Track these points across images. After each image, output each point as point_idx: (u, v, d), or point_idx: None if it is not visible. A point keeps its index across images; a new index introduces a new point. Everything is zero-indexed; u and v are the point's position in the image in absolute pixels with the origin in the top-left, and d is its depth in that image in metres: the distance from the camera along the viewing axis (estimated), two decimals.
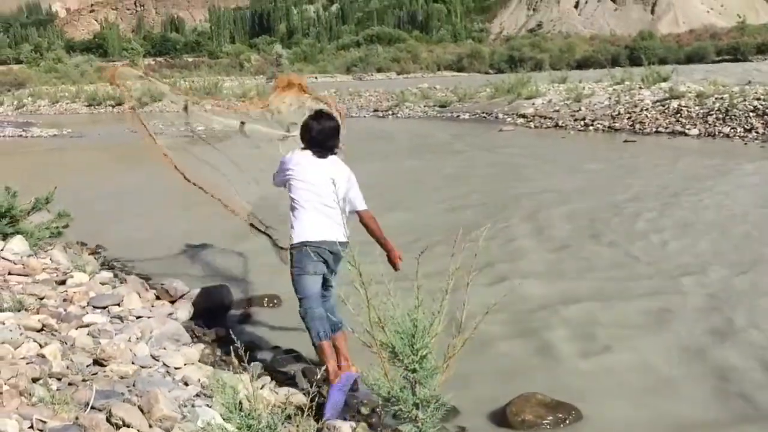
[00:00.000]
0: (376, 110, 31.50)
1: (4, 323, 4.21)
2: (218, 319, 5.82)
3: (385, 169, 14.36)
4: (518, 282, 6.44)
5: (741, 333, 5.29)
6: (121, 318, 5.07)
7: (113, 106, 44.08)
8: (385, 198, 10.96)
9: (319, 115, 4.66)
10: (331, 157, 4.61)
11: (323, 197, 4.41)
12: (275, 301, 6.21)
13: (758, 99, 18.22)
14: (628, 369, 4.83)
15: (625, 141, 17.09)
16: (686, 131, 17.67)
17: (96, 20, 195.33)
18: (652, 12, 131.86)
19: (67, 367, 3.89)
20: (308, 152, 4.57)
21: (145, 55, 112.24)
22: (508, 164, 14.12)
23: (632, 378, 4.70)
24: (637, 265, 7.11)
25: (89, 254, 8.07)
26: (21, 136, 27.54)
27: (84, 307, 5.22)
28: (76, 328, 4.67)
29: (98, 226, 9.65)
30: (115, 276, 6.51)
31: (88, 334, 4.60)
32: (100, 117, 39.57)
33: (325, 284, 4.54)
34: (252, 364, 4.64)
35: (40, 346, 4.03)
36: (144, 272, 7.37)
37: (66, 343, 4.39)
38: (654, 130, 18.56)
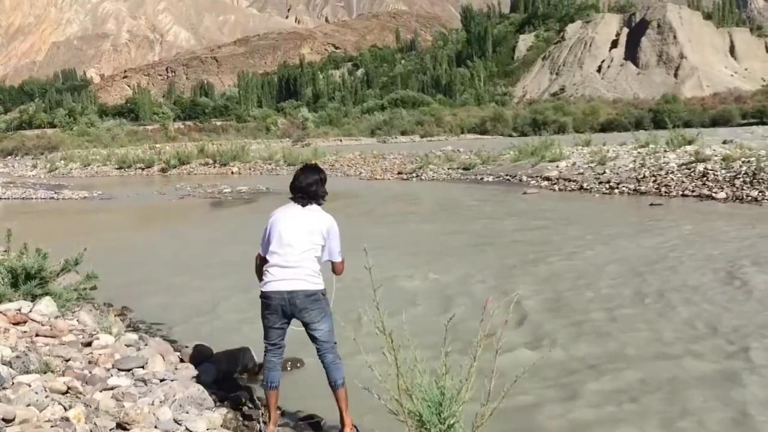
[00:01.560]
0: (400, 173, 31.73)
1: (30, 385, 4.23)
2: (241, 382, 5.80)
3: (406, 233, 14.37)
4: (548, 349, 6.35)
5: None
6: (145, 381, 5.06)
7: (142, 169, 44.91)
8: (407, 262, 10.98)
9: (305, 167, 4.89)
10: (313, 206, 4.72)
11: (292, 246, 4.56)
12: (298, 365, 6.17)
13: None
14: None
15: (651, 204, 17.01)
16: (713, 194, 17.57)
17: (129, 86, 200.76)
18: (675, 76, 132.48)
19: (91, 431, 3.88)
20: (290, 203, 4.76)
21: (175, 119, 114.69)
22: (532, 229, 14.04)
23: None
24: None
25: (115, 315, 8.12)
26: (52, 198, 28.10)
27: (109, 369, 5.23)
28: (101, 391, 4.67)
29: (126, 288, 9.74)
30: (140, 338, 6.51)
31: (112, 397, 4.59)
32: (130, 179, 40.30)
33: (313, 339, 4.67)
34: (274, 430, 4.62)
35: (65, 409, 4.03)
36: (169, 335, 7.38)
37: (90, 406, 4.39)
38: (680, 193, 18.46)
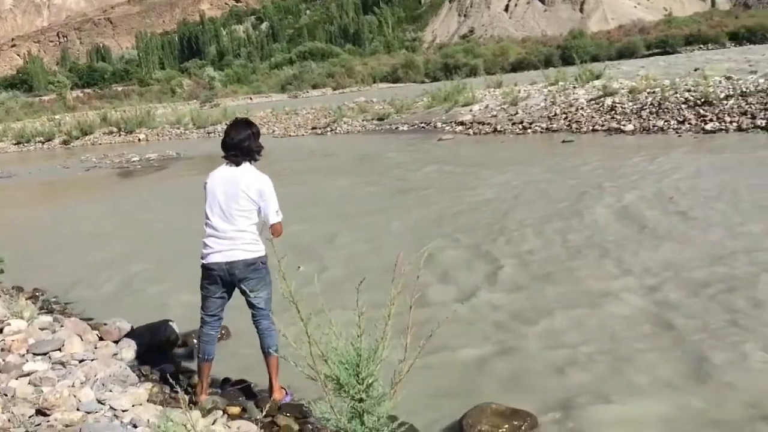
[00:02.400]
0: (314, 128, 31.45)
1: None
2: (165, 356, 5.75)
3: (322, 189, 14.33)
4: (473, 301, 6.51)
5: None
6: (63, 364, 4.97)
7: (42, 143, 43.13)
8: (323, 222, 11.00)
9: (235, 121, 4.69)
10: (246, 166, 4.56)
11: (226, 214, 4.46)
12: (223, 333, 6.15)
13: (689, 91, 18.84)
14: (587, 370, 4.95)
15: (564, 141, 17.44)
16: (622, 127, 18.13)
17: (18, 55, 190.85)
18: (581, 10, 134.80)
19: (9, 420, 3.80)
20: (224, 164, 4.60)
21: (72, 88, 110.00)
22: (448, 174, 14.21)
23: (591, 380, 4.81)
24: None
25: (26, 299, 7.88)
26: None
27: (23, 355, 5.10)
28: (16, 378, 4.57)
29: (35, 269, 9.45)
30: (55, 320, 6.35)
31: (29, 384, 4.50)
32: (30, 155, 38.65)
33: (250, 305, 4.63)
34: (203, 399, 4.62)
35: None
36: (85, 314, 7.22)
37: (6, 395, 4.29)
38: (591, 128, 18.97)
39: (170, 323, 5.98)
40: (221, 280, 4.52)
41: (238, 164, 4.52)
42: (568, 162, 14.01)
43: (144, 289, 8.10)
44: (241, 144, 4.49)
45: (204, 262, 4.53)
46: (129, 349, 5.57)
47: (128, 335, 5.82)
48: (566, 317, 5.93)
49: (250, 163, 4.56)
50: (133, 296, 7.87)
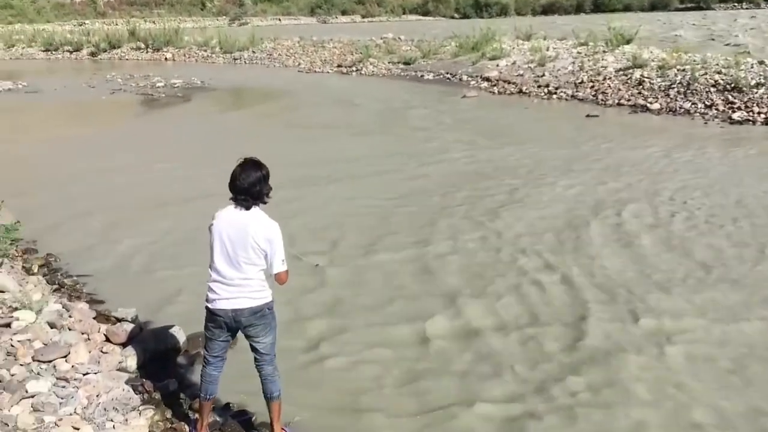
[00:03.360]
0: (339, 65, 30.86)
1: None
2: (169, 363, 5.66)
3: (337, 151, 13.80)
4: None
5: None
6: (67, 379, 4.88)
7: (71, 52, 42.72)
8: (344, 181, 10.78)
9: (245, 162, 4.30)
10: (255, 211, 4.28)
11: (234, 261, 4.23)
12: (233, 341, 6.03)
13: (719, 73, 18.19)
14: None
15: (588, 116, 16.95)
16: (648, 105, 17.58)
17: None
18: None
19: None
20: (231, 206, 4.30)
21: None
22: (471, 148, 13.82)
23: None
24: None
25: (39, 266, 7.78)
26: None
27: (29, 364, 5.02)
28: (18, 402, 4.48)
29: (50, 226, 9.29)
30: (65, 307, 6.25)
31: (31, 410, 4.42)
32: (58, 65, 38.32)
33: (254, 349, 4.49)
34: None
35: None
36: (96, 294, 7.10)
37: (7, 425, 4.21)
38: (617, 101, 18.44)
39: (175, 330, 5.87)
40: (226, 326, 4.37)
41: (248, 208, 4.26)
42: (590, 144, 13.63)
43: (162, 266, 7.94)
44: (251, 189, 4.20)
45: (210, 306, 4.36)
46: (133, 357, 5.46)
47: (134, 340, 5.71)
48: None
49: (258, 207, 4.31)
50: (150, 275, 7.72)
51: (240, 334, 4.53)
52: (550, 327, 6.15)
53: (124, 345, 5.70)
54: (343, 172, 11.86)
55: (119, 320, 6.15)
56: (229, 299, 4.28)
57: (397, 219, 9.30)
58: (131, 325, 5.90)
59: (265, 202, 4.31)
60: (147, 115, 20.67)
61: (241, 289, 4.28)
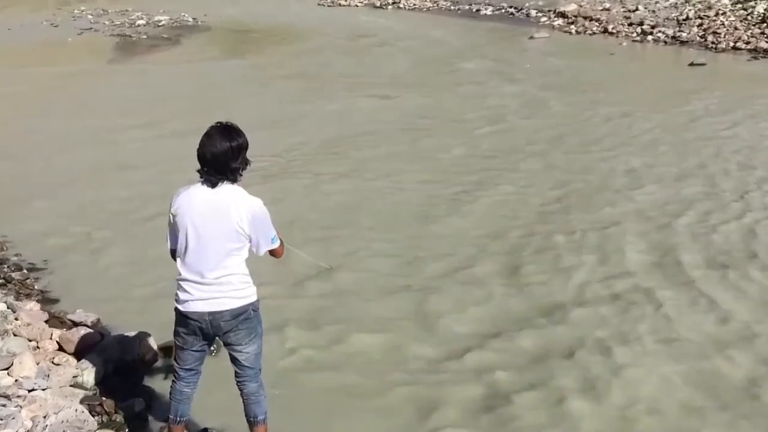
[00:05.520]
0: None
1: None
2: (136, 378, 5.80)
3: (361, 118, 13.50)
4: None
5: None
6: (9, 397, 5.07)
7: None
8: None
9: (214, 129, 4.26)
10: (232, 189, 4.31)
11: (208, 254, 4.28)
12: (213, 348, 6.17)
13: None
14: None
15: (692, 64, 16.77)
16: None
17: None
18: None
19: None
20: (197, 185, 4.29)
21: None
22: (531, 108, 13.68)
23: None
24: None
25: None
26: None
27: None
28: None
29: (6, 200, 9.59)
30: (10, 307, 6.45)
31: None
32: None
33: (234, 361, 4.52)
34: None
35: None
36: (49, 290, 7.31)
37: None
38: (731, 44, 18.21)
39: (146, 336, 6.00)
40: (201, 332, 4.42)
41: (213, 185, 4.27)
42: (697, 104, 13.37)
43: (125, 253, 8.11)
44: (218, 161, 4.15)
45: (181, 309, 4.37)
46: (92, 370, 5.59)
47: (93, 349, 5.85)
48: None
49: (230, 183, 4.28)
50: (113, 270, 7.91)
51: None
52: None
53: (80, 355, 5.83)
54: (356, 154, 11.43)
55: (76, 324, 6.15)
56: (205, 300, 4.31)
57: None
58: (91, 331, 6.03)
59: (234, 180, 4.25)
60: (123, 62, 20.82)
61: (220, 288, 4.30)
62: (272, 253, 4.49)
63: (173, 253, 4.44)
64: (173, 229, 4.37)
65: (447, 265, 7.56)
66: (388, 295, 7.02)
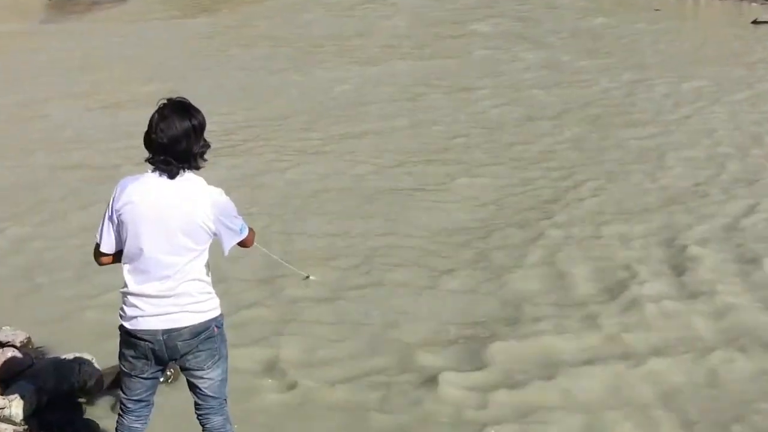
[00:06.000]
0: None
1: None
2: (76, 412, 5.68)
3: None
4: None
5: None
6: None
7: None
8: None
9: (167, 105, 4.08)
10: (190, 178, 4.17)
11: (162, 261, 4.12)
12: (169, 373, 5.99)
13: None
14: None
15: (756, 22, 16.50)
16: None
17: None
18: None
19: None
20: (149, 175, 4.13)
21: None
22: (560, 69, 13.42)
23: None
24: None
25: None
26: None
27: None
28: None
29: None
30: None
31: None
32: None
33: (193, 388, 4.43)
34: None
35: None
36: None
37: None
38: None
39: (87, 362, 5.87)
40: (154, 355, 4.22)
41: (171, 175, 4.08)
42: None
43: (60, 258, 7.97)
44: (174, 147, 3.99)
45: (128, 326, 4.18)
46: (20, 402, 5.44)
47: (23, 376, 5.71)
48: None
49: (190, 172, 4.09)
50: (45, 268, 7.76)
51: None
52: None
53: (7, 383, 5.72)
54: (333, 130, 11.69)
55: (3, 345, 6.18)
56: (159, 315, 4.11)
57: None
58: (19, 354, 5.93)
59: (198, 167, 4.15)
60: (57, 22, 20.54)
61: (177, 300, 4.10)
62: (242, 243, 4.42)
63: (101, 254, 4.29)
64: (115, 228, 4.19)
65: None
66: None
